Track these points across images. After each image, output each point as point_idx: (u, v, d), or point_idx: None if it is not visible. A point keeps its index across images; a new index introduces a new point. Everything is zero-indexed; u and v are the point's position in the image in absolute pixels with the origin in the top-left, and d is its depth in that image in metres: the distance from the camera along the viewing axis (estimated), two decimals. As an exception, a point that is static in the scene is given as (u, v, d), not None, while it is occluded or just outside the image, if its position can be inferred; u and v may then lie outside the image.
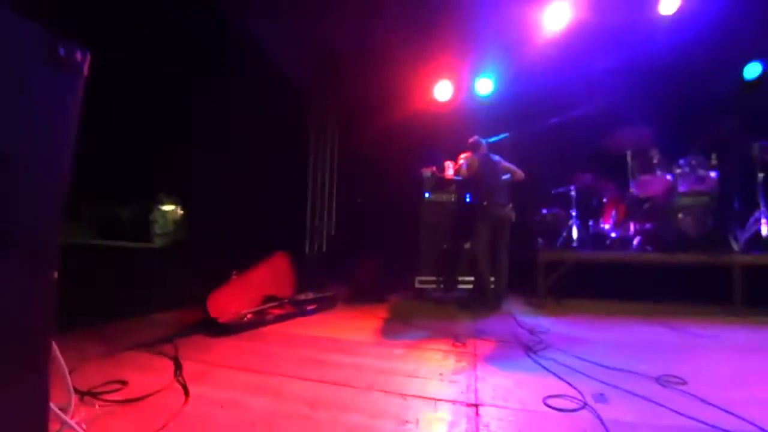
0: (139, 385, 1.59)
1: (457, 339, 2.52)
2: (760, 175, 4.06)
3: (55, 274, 0.82)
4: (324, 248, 6.33)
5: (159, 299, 3.23)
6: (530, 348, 2.31)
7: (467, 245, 4.16)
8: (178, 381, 1.67)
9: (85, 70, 0.86)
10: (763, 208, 4.01)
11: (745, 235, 4.06)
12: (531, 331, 2.72)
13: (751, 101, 4.72)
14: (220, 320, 2.62)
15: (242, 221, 5.50)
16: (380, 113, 5.95)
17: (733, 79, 5.09)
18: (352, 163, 6.45)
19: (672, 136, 4.53)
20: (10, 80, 0.72)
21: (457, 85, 5.80)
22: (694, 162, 4.28)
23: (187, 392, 1.56)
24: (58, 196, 0.81)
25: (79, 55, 0.83)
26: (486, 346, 2.43)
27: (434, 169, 4.49)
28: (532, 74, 5.47)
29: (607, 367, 1.93)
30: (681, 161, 4.36)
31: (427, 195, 4.48)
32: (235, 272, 3.15)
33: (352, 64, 5.85)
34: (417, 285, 4.32)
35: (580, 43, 4.90)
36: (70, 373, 1.13)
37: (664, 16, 4.56)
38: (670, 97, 4.96)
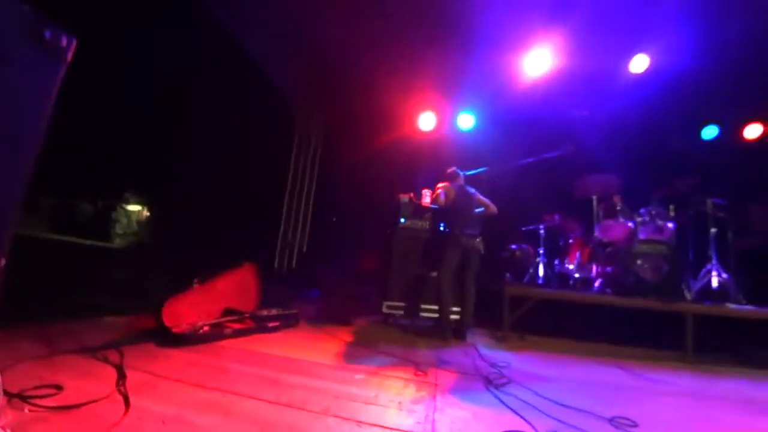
0: (76, 391, 1.47)
1: (418, 368, 2.49)
2: (713, 230, 4.37)
3: (3, 261, 0.76)
4: (294, 264, 6.22)
5: (111, 302, 3.04)
6: (491, 381, 2.31)
7: (434, 273, 4.18)
8: (119, 391, 1.55)
9: (69, 57, 0.84)
10: (714, 261, 4.30)
11: (697, 285, 4.32)
12: (493, 365, 2.73)
13: (709, 161, 5.13)
14: (174, 330, 2.48)
15: (211, 229, 5.33)
16: (364, 134, 6.04)
17: (693, 138, 5.54)
18: (331, 180, 6.46)
19: (635, 186, 4.83)
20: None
21: (440, 118, 6.00)
22: (653, 212, 4.55)
23: (127, 404, 1.45)
24: (21, 178, 0.77)
25: (64, 41, 0.81)
26: (447, 377, 2.41)
27: (412, 195, 4.54)
28: (511, 114, 5.77)
29: (564, 405, 1.95)
30: (642, 210, 4.63)
31: (402, 221, 4.50)
32: (197, 281, 3.01)
33: (341, 82, 5.97)
34: (384, 310, 4.27)
35: (557, 90, 5.24)
36: (0, 372, 1.03)
37: (634, 74, 4.95)
38: (637, 149, 5.33)
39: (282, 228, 6.24)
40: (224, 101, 5.38)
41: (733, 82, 4.93)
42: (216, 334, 2.72)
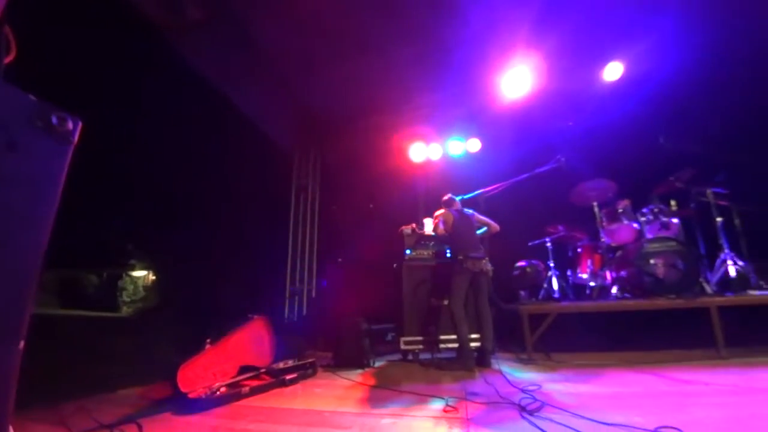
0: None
1: (447, 403, 2.39)
2: (719, 219, 4.34)
3: (22, 344, 0.76)
4: (304, 311, 6.12)
5: (124, 374, 2.97)
6: (524, 408, 2.21)
7: (446, 302, 4.10)
8: (141, 469, 1.49)
9: (75, 138, 0.88)
10: (727, 250, 4.24)
11: (715, 277, 4.23)
12: (523, 390, 2.62)
13: (701, 154, 5.19)
14: (191, 395, 2.41)
15: (218, 285, 5.31)
16: (359, 173, 6.17)
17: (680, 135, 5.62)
18: (332, 223, 6.50)
19: (633, 187, 4.86)
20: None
21: (431, 147, 6.15)
22: (656, 210, 4.56)
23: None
24: (36, 260, 0.79)
25: (70, 124, 0.86)
26: (478, 409, 2.30)
27: (414, 226, 4.56)
28: (500, 134, 5.92)
29: (605, 423, 1.85)
30: (644, 210, 4.64)
31: (408, 252, 4.49)
32: (209, 340, 2.96)
33: (332, 126, 6.18)
34: (402, 346, 4.16)
35: (542, 105, 5.41)
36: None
37: (611, 82, 5.13)
38: (627, 151, 5.41)
39: (288, 276, 6.20)
40: (221, 159, 5.54)
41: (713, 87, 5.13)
42: (234, 394, 2.63)
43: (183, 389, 2.43)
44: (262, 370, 3.14)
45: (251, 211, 5.72)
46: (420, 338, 4.16)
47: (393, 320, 4.59)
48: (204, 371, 2.71)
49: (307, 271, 6.37)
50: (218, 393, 2.57)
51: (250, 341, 3.37)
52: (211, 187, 5.71)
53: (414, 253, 4.47)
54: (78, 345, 4.06)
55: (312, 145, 6.63)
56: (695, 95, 5.24)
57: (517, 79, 5.09)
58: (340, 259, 6.28)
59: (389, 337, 4.67)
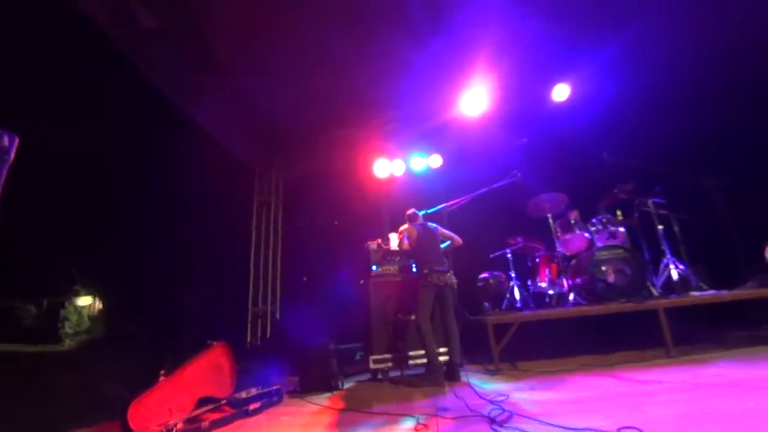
0: None
1: (418, 421, 2.36)
2: (660, 227, 4.71)
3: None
4: (268, 334, 5.87)
5: (69, 414, 2.67)
6: (493, 420, 2.23)
7: (413, 317, 4.10)
8: None
9: (12, 155, 0.80)
10: (668, 255, 4.59)
11: (659, 281, 4.56)
12: (492, 401, 2.65)
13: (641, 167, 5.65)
14: (144, 435, 2.21)
15: (174, 311, 4.95)
16: (323, 189, 6.12)
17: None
18: (297, 240, 6.35)
19: (582, 199, 5.18)
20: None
21: (394, 162, 6.24)
22: (604, 220, 4.87)
23: None
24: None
25: (6, 140, 0.78)
26: (449, 425, 2.29)
27: (379, 241, 4.56)
28: (459, 150, 6.13)
29: (571, 429, 1.90)
30: (594, 220, 4.94)
31: (374, 268, 4.46)
32: (163, 372, 2.75)
33: (294, 141, 6.12)
34: (371, 365, 4.08)
35: (499, 123, 5.69)
36: None
37: (558, 102, 5.49)
38: (579, 165, 5.78)
39: (250, 297, 5.94)
40: (177, 175, 5.25)
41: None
42: (192, 429, 2.45)
43: (134, 428, 2.22)
44: (223, 402, 2.95)
45: (210, 229, 5.45)
46: (389, 356, 4.10)
47: (361, 338, 4.51)
48: (158, 407, 2.51)
49: (270, 291, 6.14)
50: (174, 430, 2.38)
51: (209, 370, 3.17)
52: (166, 204, 5.38)
53: (380, 269, 4.45)
54: (14, 384, 3.62)
55: (274, 160, 6.50)
56: (632, 115, 5.73)
57: (475, 98, 5.33)
58: (305, 278, 6.13)
59: (358, 356, 4.58)
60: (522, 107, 5.68)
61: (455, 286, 4.02)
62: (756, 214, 5.10)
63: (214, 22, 4.25)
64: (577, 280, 4.71)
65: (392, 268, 4.47)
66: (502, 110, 5.55)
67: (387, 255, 4.51)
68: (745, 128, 5.27)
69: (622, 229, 4.84)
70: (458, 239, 4.34)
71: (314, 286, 5.89)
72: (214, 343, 3.36)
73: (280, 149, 6.45)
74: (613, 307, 3.97)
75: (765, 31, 4.87)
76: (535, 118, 5.90)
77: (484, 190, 5.08)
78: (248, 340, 5.67)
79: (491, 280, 5.31)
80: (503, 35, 4.59)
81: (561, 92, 5.44)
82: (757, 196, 5.20)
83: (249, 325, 5.78)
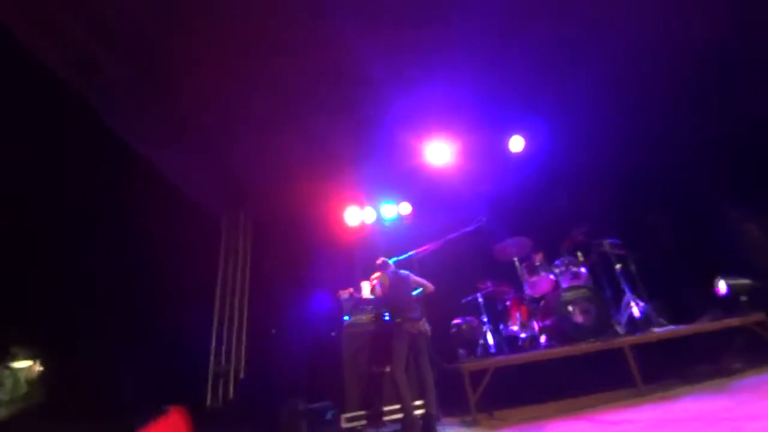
0: None
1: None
2: (617, 266, 4.96)
3: None
4: (231, 395, 5.41)
5: None
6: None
7: (388, 369, 3.93)
8: None
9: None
10: (628, 293, 4.80)
11: (623, 318, 4.72)
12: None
13: (595, 210, 6.06)
14: None
15: (124, 372, 4.45)
16: (293, 238, 6.06)
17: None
18: (265, 290, 6.09)
19: (546, 241, 5.42)
20: None
21: (365, 210, 6.34)
22: (566, 261, 5.09)
23: None
24: None
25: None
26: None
27: (351, 290, 4.49)
28: (429, 199, 6.37)
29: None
30: (557, 262, 5.16)
31: (346, 318, 4.35)
32: (111, 446, 2.46)
33: (263, 190, 6.11)
34: (344, 425, 3.83)
35: (463, 172, 6.01)
36: None
37: (515, 153, 5.91)
38: (538, 211, 6.12)
39: (213, 354, 5.53)
40: (135, 224, 4.98)
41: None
42: None
43: None
44: (179, 476, 2.65)
45: (169, 280, 5.11)
46: (363, 412, 3.89)
47: (333, 394, 4.28)
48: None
49: (235, 346, 5.74)
50: None
51: (165, 440, 2.86)
52: (128, 255, 5.04)
53: (352, 319, 4.34)
54: None
55: (242, 210, 6.40)
56: (581, 165, 6.27)
57: (439, 149, 5.64)
58: (273, 330, 5.84)
59: (329, 415, 4.30)
60: (483, 158, 6.05)
61: (429, 334, 3.96)
62: (704, 250, 5.53)
63: (182, 74, 4.33)
64: (547, 322, 4.78)
65: (365, 318, 4.38)
66: (465, 160, 5.87)
67: (359, 304, 4.43)
68: (688, 171, 5.85)
69: (583, 270, 5.06)
70: (430, 286, 4.32)
71: (283, 340, 5.61)
72: (170, 408, 3.06)
73: (248, 198, 6.41)
74: (583, 347, 4.04)
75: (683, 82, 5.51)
76: (496, 167, 6.28)
77: (452, 236, 5.23)
78: (208, 402, 5.19)
79: (464, 326, 5.29)
80: (458, 95, 5.01)
81: (517, 143, 5.86)
82: (703, 233, 5.67)
83: (210, 386, 5.32)
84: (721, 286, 4.53)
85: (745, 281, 4.49)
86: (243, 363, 5.68)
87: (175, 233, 5.27)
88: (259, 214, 6.51)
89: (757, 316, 4.04)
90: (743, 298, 4.34)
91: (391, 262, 4.37)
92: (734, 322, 4.03)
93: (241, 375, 5.61)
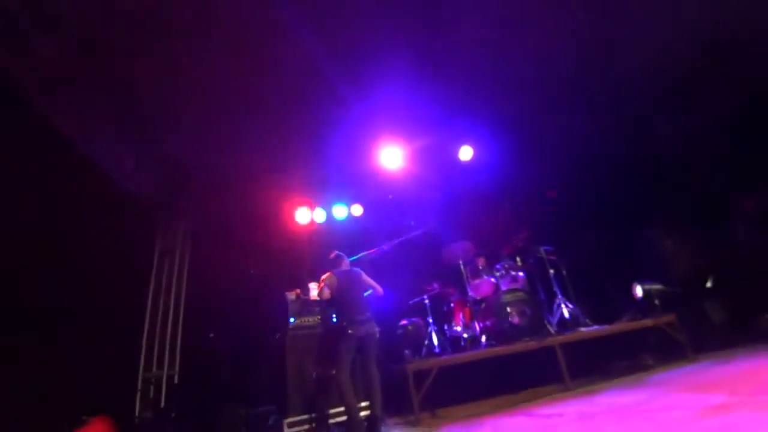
0: None
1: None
2: (551, 271, 5.37)
3: None
4: (162, 404, 5.02)
5: None
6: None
7: (334, 371, 3.76)
8: None
9: None
10: (559, 296, 5.21)
11: (555, 319, 5.10)
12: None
13: (535, 217, 6.51)
14: None
15: (43, 380, 3.90)
16: (236, 237, 5.79)
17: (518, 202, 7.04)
18: (204, 293, 5.72)
19: (488, 246, 5.72)
20: None
21: (315, 211, 6.24)
22: (507, 266, 5.41)
23: None
24: None
25: None
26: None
27: (298, 291, 4.36)
28: (379, 202, 6.42)
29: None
30: (498, 266, 5.46)
31: (292, 320, 4.23)
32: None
33: (204, 185, 5.76)
34: (286, 429, 3.72)
35: (414, 177, 6.14)
36: None
37: (464, 162, 6.15)
38: (483, 217, 6.43)
39: (143, 359, 5.09)
40: (65, 216, 4.41)
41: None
42: None
43: None
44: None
45: (98, 280, 4.61)
46: (306, 416, 3.81)
47: (276, 399, 4.14)
48: None
49: (168, 351, 5.33)
50: None
51: (84, 455, 2.60)
52: (42, 250, 4.45)
53: (298, 321, 4.24)
54: None
55: (180, 204, 5.97)
56: (524, 178, 6.72)
57: (392, 154, 5.71)
58: (211, 334, 5.52)
59: (271, 420, 4.16)
60: (433, 165, 6.24)
61: (377, 335, 3.96)
62: (623, 257, 6.18)
63: (121, 55, 3.98)
64: (487, 323, 5.03)
65: (311, 320, 4.30)
66: (417, 166, 6.02)
67: (306, 305, 4.34)
68: (615, 190, 6.51)
69: (521, 274, 5.41)
70: (379, 289, 4.19)
71: (223, 343, 5.32)
72: (92, 419, 2.79)
73: (189, 192, 5.99)
74: (519, 346, 4.31)
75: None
76: (446, 174, 6.51)
77: (402, 239, 5.33)
78: (137, 412, 4.78)
79: (410, 327, 5.40)
80: (412, 101, 5.13)
81: (466, 153, 6.12)
82: (626, 244, 6.34)
83: (139, 394, 4.90)
84: (638, 291, 5.07)
85: (658, 286, 5.08)
86: (177, 368, 5.29)
87: (103, 227, 4.80)
88: (201, 213, 6.13)
89: (668, 317, 4.57)
90: (656, 302, 4.89)
91: (345, 258, 4.25)
92: (648, 322, 4.53)
93: (175, 380, 5.23)
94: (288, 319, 4.21)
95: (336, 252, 4.24)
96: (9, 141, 3.79)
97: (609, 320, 5.00)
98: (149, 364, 5.15)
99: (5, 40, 3.26)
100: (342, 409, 3.80)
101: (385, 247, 5.22)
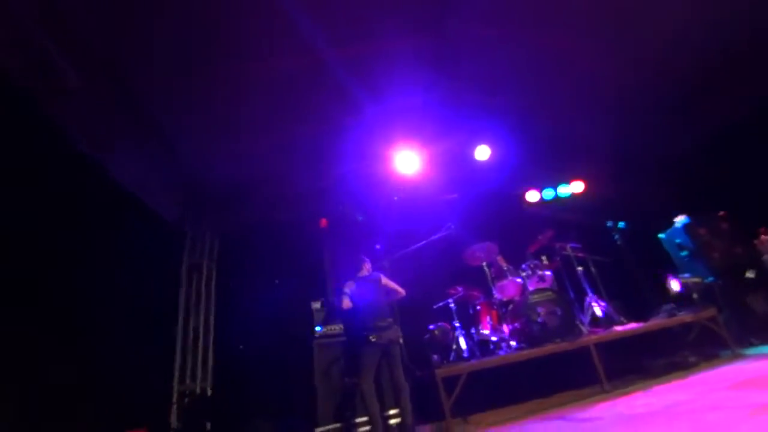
0: None
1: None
2: (579, 269, 5.20)
3: None
4: (196, 416, 5.11)
5: None
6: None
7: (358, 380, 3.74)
8: None
9: None
10: (590, 294, 5.03)
11: (586, 318, 4.93)
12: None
13: (560, 217, 6.36)
14: None
15: (81, 395, 4.05)
16: (262, 247, 5.90)
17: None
18: (233, 305, 5.84)
19: (512, 246, 5.60)
20: None
21: (336, 216, 6.30)
22: (532, 265, 5.26)
23: None
24: None
25: None
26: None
27: (323, 300, 4.40)
28: (397, 205, 6.42)
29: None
30: (523, 266, 5.32)
31: (318, 329, 4.25)
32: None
33: (231, 197, 5.92)
34: (317, 439, 3.74)
35: (431, 180, 6.10)
36: None
37: (482, 161, 6.07)
38: (506, 217, 6.32)
39: (177, 373, 5.22)
40: (95, 236, 4.60)
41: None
42: None
43: None
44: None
45: (126, 299, 4.77)
46: (337, 425, 3.81)
47: (305, 409, 4.16)
48: None
49: (201, 364, 5.46)
50: None
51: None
52: (73, 270, 4.63)
53: (325, 329, 4.26)
54: None
55: (207, 219, 6.14)
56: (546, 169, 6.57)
57: (408, 158, 5.69)
58: (241, 347, 5.61)
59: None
60: (451, 166, 6.19)
61: (401, 342, 3.92)
62: (654, 251, 5.92)
63: (145, 78, 4.14)
64: (516, 325, 4.91)
65: (338, 328, 4.31)
66: (434, 169, 5.97)
67: (331, 313, 4.36)
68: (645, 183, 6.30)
69: (548, 273, 5.26)
70: (402, 291, 4.19)
71: (253, 355, 5.39)
72: (133, 431, 2.87)
73: (214, 206, 6.17)
74: (550, 347, 4.18)
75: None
76: (464, 175, 6.44)
77: (422, 243, 5.29)
78: (172, 425, 4.89)
79: (437, 332, 5.32)
80: (425, 104, 5.11)
81: (482, 152, 6.03)
82: (655, 237, 6.09)
83: (174, 407, 5.02)
84: (674, 285, 4.84)
85: (696, 279, 4.83)
86: (209, 381, 5.41)
87: (134, 246, 4.98)
88: (226, 226, 6.28)
89: (709, 312, 4.34)
90: (694, 295, 4.66)
91: (367, 261, 4.23)
92: (688, 317, 4.31)
93: (208, 393, 5.34)
94: (314, 328, 4.23)
95: (360, 256, 4.24)
96: (44, 167, 3.99)
97: (642, 317, 4.79)
98: (183, 377, 5.28)
99: (32, 66, 3.43)
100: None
101: (406, 251, 5.20)
